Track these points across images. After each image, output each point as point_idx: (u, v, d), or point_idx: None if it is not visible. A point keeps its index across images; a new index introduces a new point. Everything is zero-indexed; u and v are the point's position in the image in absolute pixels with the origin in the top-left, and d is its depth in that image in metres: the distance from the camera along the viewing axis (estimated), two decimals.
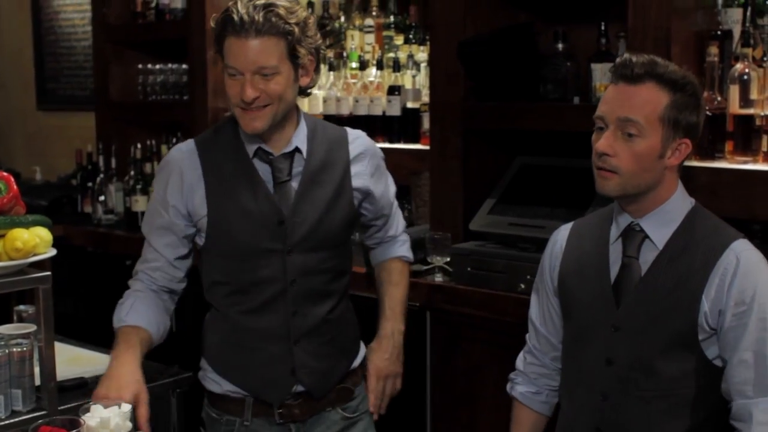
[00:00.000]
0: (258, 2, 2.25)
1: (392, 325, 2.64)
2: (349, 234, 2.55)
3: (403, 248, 2.73)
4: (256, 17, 2.23)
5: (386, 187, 2.62)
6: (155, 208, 2.43)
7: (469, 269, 3.29)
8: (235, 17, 2.23)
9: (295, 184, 2.40)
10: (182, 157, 2.42)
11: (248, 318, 2.42)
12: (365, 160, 2.53)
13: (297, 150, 2.41)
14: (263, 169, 2.40)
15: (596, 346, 2.19)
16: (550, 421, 2.43)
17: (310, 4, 4.20)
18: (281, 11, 2.25)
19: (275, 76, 2.27)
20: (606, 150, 2.11)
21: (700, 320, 2.08)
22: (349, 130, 2.55)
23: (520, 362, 2.46)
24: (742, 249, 2.10)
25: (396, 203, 2.69)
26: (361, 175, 2.51)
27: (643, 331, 2.13)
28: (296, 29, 2.27)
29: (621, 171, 2.11)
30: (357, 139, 2.54)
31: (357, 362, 2.57)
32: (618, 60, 2.16)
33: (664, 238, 2.16)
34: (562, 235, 2.37)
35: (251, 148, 2.39)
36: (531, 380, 2.43)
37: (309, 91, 2.45)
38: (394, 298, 2.67)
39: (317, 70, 2.41)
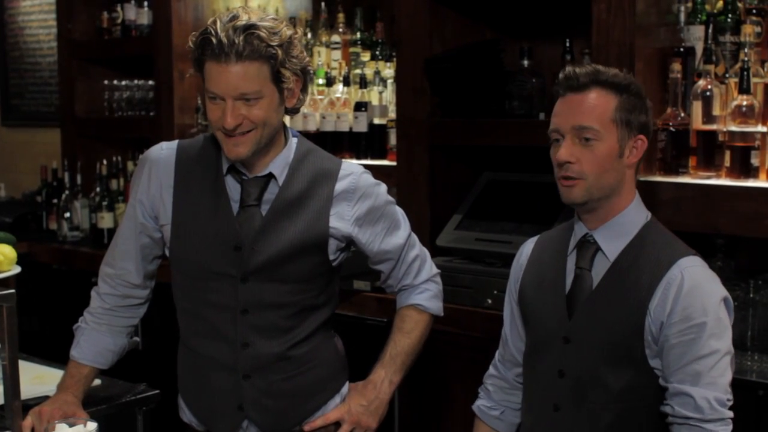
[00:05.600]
0: (238, 23, 2.10)
1: (385, 373, 2.39)
2: (325, 270, 2.33)
3: (421, 296, 2.44)
4: (236, 41, 2.08)
5: (386, 234, 2.37)
6: (130, 201, 2.39)
7: None
8: (214, 40, 2.09)
9: (263, 210, 2.26)
10: (158, 158, 2.34)
11: (198, 343, 2.33)
12: (352, 200, 2.31)
13: (272, 176, 2.28)
14: (234, 189, 2.27)
15: (549, 357, 2.20)
16: None
17: None
18: (263, 33, 2.10)
19: (258, 101, 2.15)
20: (568, 158, 2.13)
21: (646, 335, 2.10)
22: (344, 164, 2.35)
23: (486, 375, 2.45)
24: (688, 265, 2.11)
25: (414, 251, 2.43)
26: (341, 217, 2.30)
27: (591, 343, 2.14)
28: (280, 52, 2.13)
29: (586, 176, 2.13)
30: (348, 176, 2.32)
31: (332, 404, 2.38)
32: (561, 74, 2.19)
33: (617, 250, 2.17)
34: (528, 247, 2.39)
35: (225, 165, 2.27)
36: (490, 394, 2.43)
37: (297, 110, 2.30)
38: (399, 346, 2.42)
39: (305, 90, 2.27)
